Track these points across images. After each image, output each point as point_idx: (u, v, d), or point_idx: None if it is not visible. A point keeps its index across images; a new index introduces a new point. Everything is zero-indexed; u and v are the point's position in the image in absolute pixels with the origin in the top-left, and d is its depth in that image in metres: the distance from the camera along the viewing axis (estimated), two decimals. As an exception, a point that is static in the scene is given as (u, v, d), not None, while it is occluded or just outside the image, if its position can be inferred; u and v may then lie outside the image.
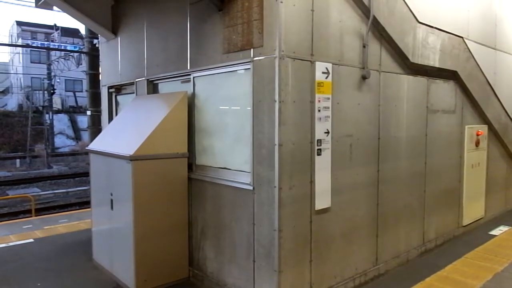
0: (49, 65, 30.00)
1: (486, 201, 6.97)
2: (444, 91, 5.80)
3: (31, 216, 9.35)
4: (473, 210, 6.63)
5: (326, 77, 4.00)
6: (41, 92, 31.58)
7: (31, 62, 37.70)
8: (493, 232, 6.42)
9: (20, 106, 36.22)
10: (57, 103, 34.63)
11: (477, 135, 6.56)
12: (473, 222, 6.62)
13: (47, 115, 29.95)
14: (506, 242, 5.98)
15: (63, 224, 7.37)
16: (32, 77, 35.49)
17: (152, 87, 5.57)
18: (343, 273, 4.36)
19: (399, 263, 5.13)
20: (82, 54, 21.48)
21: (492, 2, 6.70)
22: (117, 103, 6.65)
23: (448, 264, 5.10)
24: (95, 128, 12.24)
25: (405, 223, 5.24)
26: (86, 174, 17.55)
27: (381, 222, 4.84)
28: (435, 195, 5.73)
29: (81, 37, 34.38)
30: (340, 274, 4.33)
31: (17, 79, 40.11)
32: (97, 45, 12.12)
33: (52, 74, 30.42)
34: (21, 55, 39.30)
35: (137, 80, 5.74)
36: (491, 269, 4.96)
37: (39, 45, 36.67)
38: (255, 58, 3.83)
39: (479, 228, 6.66)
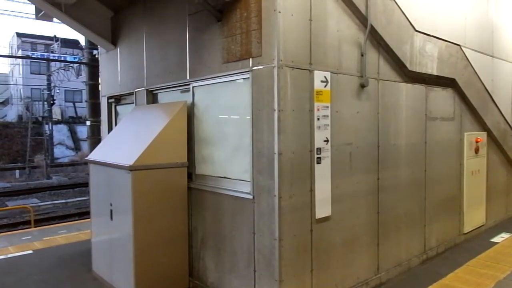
0: (49, 76, 30.07)
1: (487, 208, 6.95)
2: (442, 98, 5.82)
3: (30, 227, 9.32)
4: (474, 217, 6.60)
5: (325, 86, 4.02)
6: (40, 102, 31.63)
7: (31, 73, 37.82)
8: (494, 239, 6.39)
9: (20, 117, 36.26)
10: (56, 114, 34.64)
11: (477, 142, 6.56)
12: (474, 230, 6.60)
13: (46, 126, 29.92)
14: (507, 249, 5.95)
15: (62, 235, 7.33)
16: (32, 88, 35.54)
17: (152, 97, 5.59)
18: (344, 282, 4.34)
19: (400, 271, 5.10)
20: (82, 65, 21.58)
21: (489, 10, 6.76)
22: (116, 113, 6.66)
23: (450, 272, 5.06)
24: (95, 139, 12.27)
25: (406, 231, 5.22)
26: (86, 184, 17.50)
27: (382, 230, 4.82)
28: (435, 203, 5.72)
29: (80, 48, 34.53)
30: (341, 283, 4.30)
31: (17, 90, 40.22)
32: (96, 56, 12.18)
33: (52, 85, 30.46)
34: (21, 66, 39.49)
35: (136, 90, 5.76)
36: (493, 276, 4.93)
37: (39, 56, 36.81)
38: (254, 68, 3.85)
39: (480, 235, 6.63)
